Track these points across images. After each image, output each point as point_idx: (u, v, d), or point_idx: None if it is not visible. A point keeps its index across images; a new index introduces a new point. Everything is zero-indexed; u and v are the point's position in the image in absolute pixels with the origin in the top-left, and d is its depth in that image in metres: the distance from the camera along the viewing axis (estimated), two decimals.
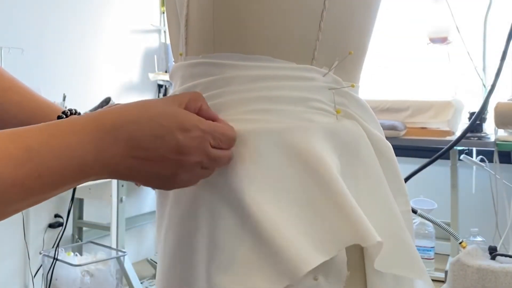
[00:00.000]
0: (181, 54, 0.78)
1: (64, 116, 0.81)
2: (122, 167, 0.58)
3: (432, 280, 0.79)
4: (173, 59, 0.82)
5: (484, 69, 3.33)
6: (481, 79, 3.24)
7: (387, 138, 0.78)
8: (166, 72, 3.64)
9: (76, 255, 2.76)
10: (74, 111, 0.84)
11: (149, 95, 3.67)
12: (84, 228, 3.20)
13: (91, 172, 0.56)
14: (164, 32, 3.88)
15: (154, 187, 0.64)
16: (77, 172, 0.55)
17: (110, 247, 2.85)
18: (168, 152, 0.59)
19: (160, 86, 3.70)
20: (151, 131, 0.58)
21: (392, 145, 0.78)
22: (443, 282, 2.88)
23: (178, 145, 0.59)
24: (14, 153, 0.51)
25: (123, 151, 0.57)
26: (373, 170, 0.72)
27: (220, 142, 0.63)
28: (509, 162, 3.00)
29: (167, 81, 3.66)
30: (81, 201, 3.12)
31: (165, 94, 3.72)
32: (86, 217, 3.21)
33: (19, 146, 0.52)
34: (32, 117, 0.82)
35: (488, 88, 1.85)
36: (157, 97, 3.68)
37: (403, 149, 3.20)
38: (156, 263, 3.22)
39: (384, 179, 0.73)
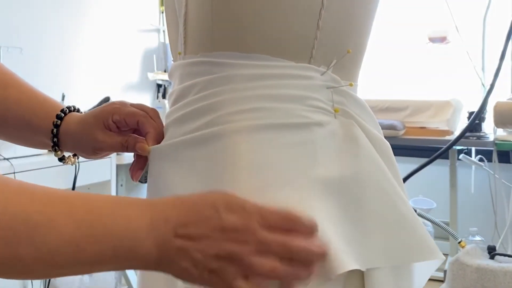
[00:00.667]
0: (180, 53, 0.78)
1: (63, 115, 0.82)
2: (171, 246, 0.53)
3: (431, 279, 0.80)
4: (172, 58, 0.83)
5: (483, 69, 3.34)
6: (480, 79, 3.25)
7: (386, 137, 0.78)
8: (165, 71, 3.64)
9: None
10: (73, 108, 0.84)
11: (148, 94, 3.67)
12: None
13: (141, 250, 0.52)
14: (163, 31, 3.88)
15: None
16: (127, 246, 0.51)
17: None
18: (211, 230, 0.54)
19: (159, 85, 3.70)
20: (197, 210, 0.55)
21: (391, 145, 0.78)
22: (442, 281, 2.88)
23: (222, 223, 0.54)
24: (75, 212, 0.50)
25: (172, 229, 0.53)
26: (374, 163, 0.72)
27: (270, 221, 0.57)
28: (508, 162, 3.00)
29: (166, 80, 3.66)
30: None
31: (164, 94, 3.72)
32: None
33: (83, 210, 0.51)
34: (32, 113, 0.82)
35: (487, 87, 1.85)
36: (156, 96, 3.68)
37: (402, 149, 3.20)
38: None
39: (387, 170, 0.73)
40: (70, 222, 0.49)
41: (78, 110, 0.85)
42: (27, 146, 0.87)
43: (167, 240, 0.53)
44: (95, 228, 0.50)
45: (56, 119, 0.81)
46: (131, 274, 2.81)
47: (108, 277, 2.71)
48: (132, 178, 0.81)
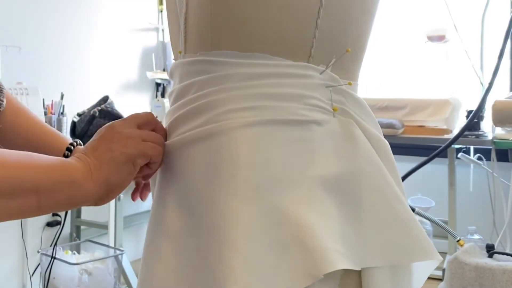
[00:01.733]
0: (180, 52, 0.78)
1: (72, 148, 0.86)
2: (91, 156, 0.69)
3: (430, 278, 0.80)
4: (173, 57, 0.83)
5: (481, 68, 3.34)
6: (479, 77, 3.25)
7: (385, 136, 0.78)
8: (164, 70, 3.64)
9: (74, 253, 2.76)
10: (79, 142, 0.88)
11: (147, 93, 3.67)
12: (82, 227, 3.20)
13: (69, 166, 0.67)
14: (162, 30, 3.88)
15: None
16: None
17: (108, 246, 2.85)
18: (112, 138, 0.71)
19: (158, 84, 3.70)
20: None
21: (390, 143, 0.78)
22: (440, 280, 2.89)
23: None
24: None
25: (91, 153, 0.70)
26: (372, 162, 0.72)
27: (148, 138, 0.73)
28: (506, 160, 3.01)
29: (165, 79, 3.66)
30: None
31: (163, 93, 3.72)
32: (84, 215, 3.21)
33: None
34: (41, 143, 0.87)
35: (486, 86, 1.85)
36: (155, 95, 3.68)
37: (401, 147, 3.20)
38: None
39: (385, 170, 0.73)
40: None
41: (81, 145, 0.88)
42: None
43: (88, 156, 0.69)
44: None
45: (66, 151, 0.85)
46: (130, 272, 2.81)
47: (107, 275, 2.71)
48: (141, 199, 0.84)
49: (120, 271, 2.80)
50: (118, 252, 2.79)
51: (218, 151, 0.69)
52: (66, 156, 0.84)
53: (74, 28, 3.27)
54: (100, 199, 0.69)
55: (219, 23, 0.72)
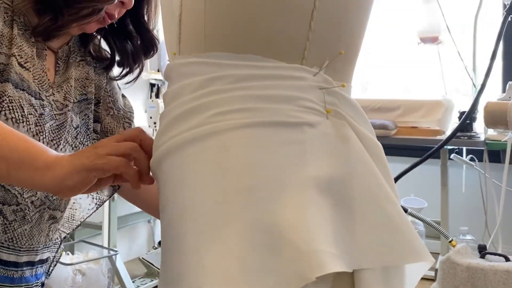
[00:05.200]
0: (174, 54, 0.79)
1: None
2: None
3: (422, 278, 0.79)
4: (168, 58, 0.84)
5: (474, 69, 3.35)
6: (471, 79, 3.26)
7: (378, 137, 0.78)
8: (158, 71, 3.64)
9: (68, 254, 2.76)
10: None
11: (141, 94, 3.66)
12: None
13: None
14: (157, 31, 3.87)
15: None
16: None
17: (102, 246, 2.85)
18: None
19: (152, 85, 3.70)
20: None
21: (383, 144, 0.78)
22: (433, 280, 2.90)
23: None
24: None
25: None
26: (365, 164, 0.73)
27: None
28: (498, 161, 3.02)
29: (160, 80, 3.65)
30: None
31: (157, 93, 3.72)
32: None
33: None
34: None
35: (478, 87, 1.86)
36: (149, 95, 3.67)
37: (394, 148, 3.22)
38: (148, 261, 3.22)
39: (378, 171, 0.73)
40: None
41: None
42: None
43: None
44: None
45: None
46: (123, 273, 2.81)
47: (101, 276, 2.71)
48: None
49: (114, 271, 2.80)
50: (112, 252, 2.79)
51: (209, 154, 0.70)
52: None
53: None
54: (57, 193, 0.80)
55: (213, 25, 0.73)
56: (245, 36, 0.71)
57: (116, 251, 2.80)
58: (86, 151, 0.80)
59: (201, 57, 0.74)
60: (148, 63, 3.57)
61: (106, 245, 2.86)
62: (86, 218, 1.12)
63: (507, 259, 2.72)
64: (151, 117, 3.26)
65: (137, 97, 3.64)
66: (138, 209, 3.79)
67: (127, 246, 3.45)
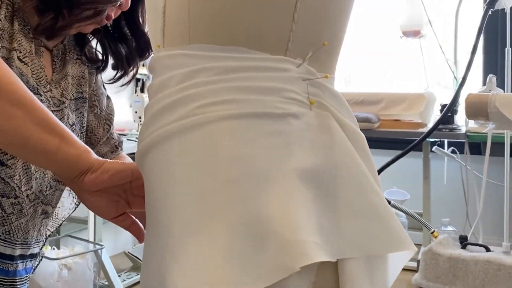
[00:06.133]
0: (158, 46, 0.78)
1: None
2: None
3: (404, 269, 0.79)
4: (152, 51, 0.84)
5: (455, 62, 3.39)
6: (453, 72, 3.30)
7: (361, 130, 0.78)
8: (143, 65, 3.62)
9: (54, 248, 2.75)
10: None
11: (126, 88, 3.65)
12: None
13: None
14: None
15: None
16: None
17: (87, 241, 2.85)
18: None
19: (137, 79, 3.68)
20: None
21: (366, 137, 0.78)
22: (415, 271, 2.93)
23: None
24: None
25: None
26: (348, 154, 0.73)
27: None
28: (479, 153, 3.06)
29: (145, 74, 3.64)
30: None
31: (142, 88, 3.70)
32: None
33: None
34: None
35: (459, 80, 1.89)
36: (134, 90, 3.66)
37: (377, 141, 3.24)
38: (133, 255, 3.22)
39: (361, 162, 0.74)
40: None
41: None
42: None
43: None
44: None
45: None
46: (109, 267, 2.82)
47: (87, 270, 2.71)
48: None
49: (100, 265, 2.80)
50: (97, 246, 2.79)
51: (193, 146, 0.70)
52: None
53: None
54: (77, 192, 0.84)
55: (197, 17, 0.73)
56: (229, 28, 0.71)
57: (101, 245, 2.80)
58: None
59: (185, 49, 0.74)
60: None
61: (91, 239, 2.86)
62: (66, 218, 1.13)
63: (487, 250, 2.76)
64: (136, 112, 3.25)
65: (122, 92, 3.61)
66: None
67: (112, 241, 3.45)
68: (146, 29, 1.11)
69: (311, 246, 0.65)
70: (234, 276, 0.64)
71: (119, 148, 1.17)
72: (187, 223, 0.68)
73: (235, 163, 0.68)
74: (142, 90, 3.68)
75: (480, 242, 2.86)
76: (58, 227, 1.11)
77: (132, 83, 3.65)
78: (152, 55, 0.81)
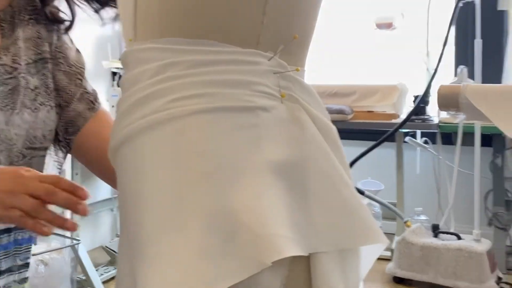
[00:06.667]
0: (130, 40, 0.78)
1: None
2: None
3: (379, 258, 0.81)
4: (124, 45, 0.83)
5: (427, 54, 3.42)
6: (425, 64, 3.33)
7: (334, 121, 0.79)
8: (119, 60, 3.60)
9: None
10: None
11: (103, 83, 3.62)
12: None
13: None
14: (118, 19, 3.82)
15: None
16: None
17: (64, 236, 2.83)
18: None
19: (114, 73, 3.66)
20: None
21: (340, 129, 0.79)
22: (389, 260, 2.98)
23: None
24: None
25: None
26: (319, 147, 0.73)
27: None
28: (451, 143, 3.11)
29: (121, 68, 3.62)
30: None
31: (118, 82, 3.68)
32: None
33: None
34: None
35: (431, 72, 1.92)
36: (111, 84, 3.65)
37: (350, 133, 3.25)
38: (111, 249, 3.22)
39: (332, 154, 0.74)
40: None
41: None
42: None
43: None
44: None
45: None
46: (86, 261, 2.81)
47: (64, 266, 2.70)
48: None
49: (77, 260, 2.79)
50: (74, 241, 2.78)
51: (165, 141, 0.70)
52: None
53: None
54: None
55: (168, 11, 0.72)
56: (199, 21, 0.71)
57: (78, 240, 2.78)
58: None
59: (156, 42, 0.73)
60: (109, 52, 3.53)
61: (68, 234, 2.85)
62: None
63: (458, 238, 2.83)
64: (113, 106, 3.23)
65: (99, 86, 3.60)
66: (101, 198, 3.76)
67: (90, 235, 3.44)
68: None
69: (283, 241, 0.65)
70: (206, 274, 0.64)
71: (96, 103, 1.09)
72: (159, 220, 0.68)
73: (206, 157, 0.68)
74: (119, 85, 3.65)
75: (451, 230, 2.92)
76: None
77: (109, 77, 3.64)
78: (124, 49, 0.81)
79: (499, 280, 2.68)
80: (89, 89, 1.10)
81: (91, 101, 1.08)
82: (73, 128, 1.05)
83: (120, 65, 3.45)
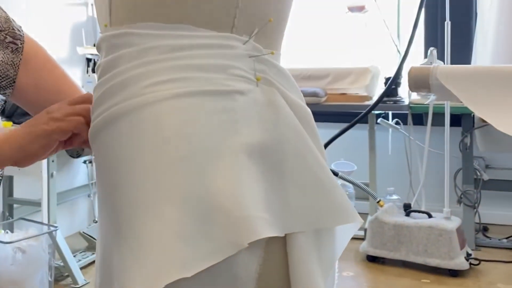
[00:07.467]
0: (106, 25, 0.77)
1: None
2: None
3: (352, 238, 0.83)
4: (99, 31, 0.83)
5: (398, 37, 3.47)
6: (396, 46, 3.38)
7: (308, 104, 0.81)
8: (94, 45, 3.59)
9: (7, 232, 2.72)
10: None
11: (77, 69, 3.60)
12: (15, 205, 3.14)
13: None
14: (92, 5, 3.79)
15: None
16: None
17: (41, 223, 2.83)
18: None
19: (88, 60, 3.64)
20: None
21: (314, 111, 0.81)
22: (363, 239, 3.04)
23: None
24: None
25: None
26: (294, 129, 0.75)
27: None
28: (422, 124, 3.17)
29: (96, 54, 3.60)
30: (10, 178, 3.07)
31: (94, 68, 3.67)
32: (17, 194, 3.14)
33: None
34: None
35: (402, 54, 1.96)
36: (86, 70, 3.63)
37: (324, 115, 3.29)
38: (88, 235, 3.22)
39: (307, 137, 0.76)
40: None
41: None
42: None
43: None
44: None
45: None
46: (64, 248, 2.81)
47: (41, 252, 2.70)
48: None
49: (55, 247, 2.79)
50: (52, 228, 2.78)
51: (142, 125, 0.70)
52: None
53: (2, 3, 3.17)
54: (18, 162, 0.82)
55: None
56: (175, 5, 0.71)
57: (56, 226, 2.78)
58: (41, 116, 0.82)
59: (132, 27, 0.73)
60: (83, 37, 3.51)
61: (46, 221, 2.85)
62: None
63: (429, 216, 2.89)
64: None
65: (74, 73, 3.57)
66: (78, 184, 3.75)
67: (67, 221, 3.44)
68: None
69: (259, 222, 0.67)
70: (184, 256, 0.65)
71: (18, 40, 0.99)
72: (137, 204, 0.69)
73: (183, 141, 0.69)
74: (93, 71, 3.64)
75: (422, 209, 2.98)
76: None
77: (84, 64, 3.62)
78: (100, 34, 0.80)
79: (468, 256, 2.75)
80: (15, 26, 1.00)
81: (10, 41, 0.96)
82: (6, 81, 0.94)
83: (95, 51, 3.43)
